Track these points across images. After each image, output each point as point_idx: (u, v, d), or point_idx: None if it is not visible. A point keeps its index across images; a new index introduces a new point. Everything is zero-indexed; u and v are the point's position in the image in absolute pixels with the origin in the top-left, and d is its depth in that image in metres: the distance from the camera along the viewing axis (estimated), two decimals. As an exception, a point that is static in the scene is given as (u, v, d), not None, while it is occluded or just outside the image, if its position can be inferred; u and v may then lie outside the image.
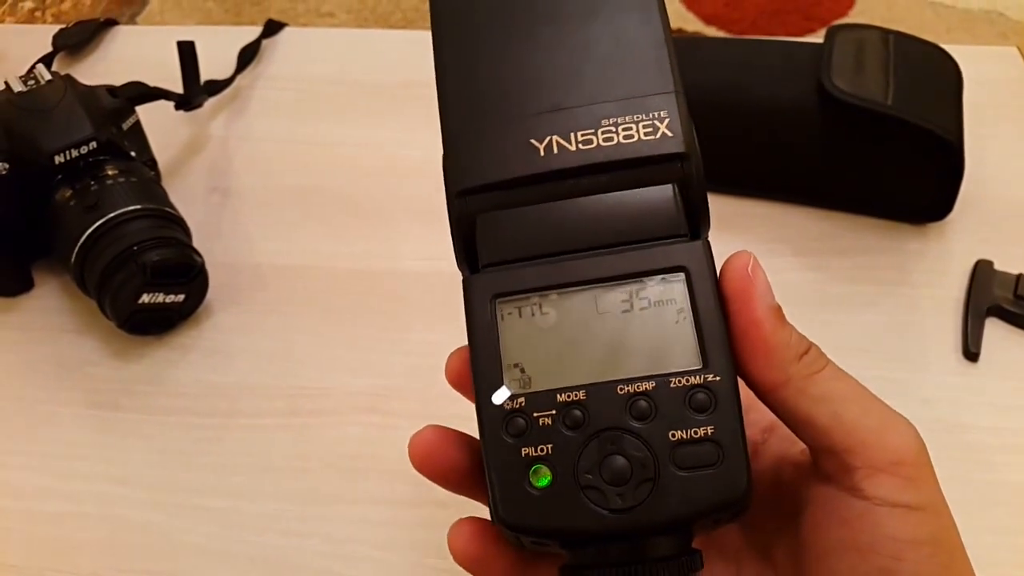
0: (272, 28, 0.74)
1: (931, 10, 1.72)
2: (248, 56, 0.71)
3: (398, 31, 0.75)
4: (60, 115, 0.51)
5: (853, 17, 1.75)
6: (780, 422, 0.26)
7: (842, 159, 0.55)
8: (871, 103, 0.52)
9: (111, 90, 0.57)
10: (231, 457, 0.47)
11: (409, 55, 0.72)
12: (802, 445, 0.26)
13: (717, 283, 0.25)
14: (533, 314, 0.26)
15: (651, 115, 0.26)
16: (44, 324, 0.55)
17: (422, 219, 0.59)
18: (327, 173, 0.63)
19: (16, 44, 0.75)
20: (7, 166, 0.52)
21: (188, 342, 0.53)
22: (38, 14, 1.38)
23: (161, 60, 0.65)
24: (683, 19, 1.75)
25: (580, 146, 0.26)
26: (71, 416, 0.50)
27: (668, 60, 0.27)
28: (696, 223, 0.26)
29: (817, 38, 0.59)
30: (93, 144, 0.51)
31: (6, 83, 0.53)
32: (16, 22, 0.94)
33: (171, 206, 0.53)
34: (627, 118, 0.26)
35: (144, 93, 0.59)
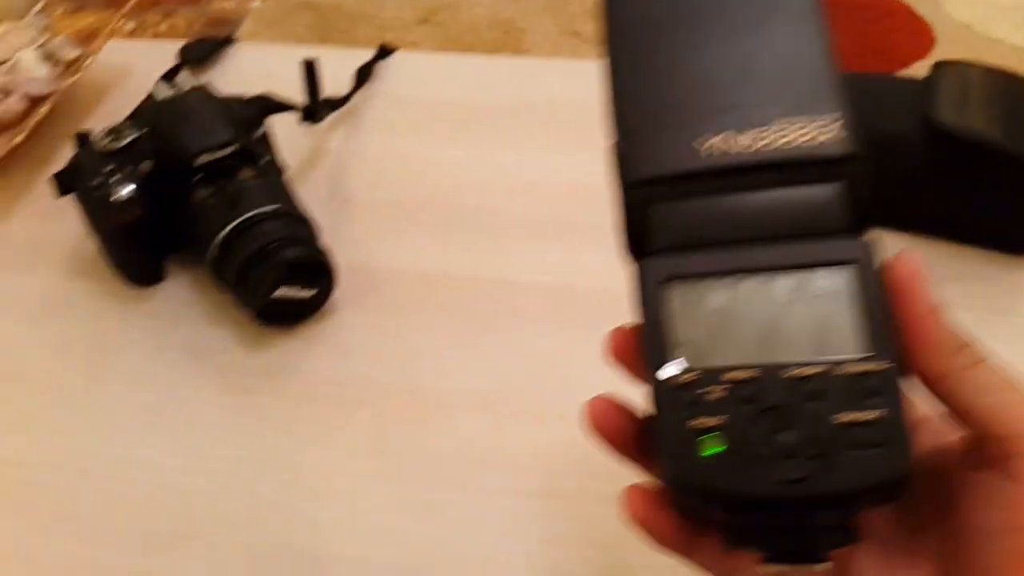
0: (384, 52, 0.78)
1: (1015, 55, 1.73)
2: (364, 76, 0.75)
3: (506, 57, 0.79)
4: (202, 120, 0.55)
5: (932, 59, 1.76)
6: (930, 416, 0.28)
7: (946, 190, 0.57)
8: (977, 136, 0.53)
9: (243, 101, 0.61)
10: (357, 442, 0.50)
11: (516, 81, 0.75)
12: (953, 436, 0.28)
13: (882, 277, 0.27)
14: (705, 296, 0.28)
15: (823, 117, 0.28)
16: (177, 313, 0.58)
17: (531, 234, 0.62)
18: (440, 187, 0.66)
19: (140, 60, 0.80)
20: (152, 164, 0.56)
21: (314, 335, 0.56)
22: (138, 32, 1.44)
23: (277, 75, 0.69)
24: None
25: (755, 144, 0.28)
26: (204, 399, 0.53)
27: (833, 67, 0.29)
28: (862, 221, 0.28)
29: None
30: (232, 148, 0.55)
31: (150, 94, 0.57)
32: (82, 34, 0.99)
33: (301, 208, 0.56)
34: (800, 119, 0.28)
35: (273, 105, 0.63)
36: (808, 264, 0.27)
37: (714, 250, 0.28)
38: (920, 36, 1.83)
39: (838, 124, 0.28)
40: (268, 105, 0.62)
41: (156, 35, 0.88)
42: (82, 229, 0.64)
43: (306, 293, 0.55)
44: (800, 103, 0.29)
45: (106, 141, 0.56)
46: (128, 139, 0.56)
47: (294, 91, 0.66)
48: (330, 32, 1.91)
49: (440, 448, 0.50)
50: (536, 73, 0.76)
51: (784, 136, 0.28)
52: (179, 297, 0.59)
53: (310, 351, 0.55)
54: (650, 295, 0.28)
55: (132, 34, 1.08)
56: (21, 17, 1.38)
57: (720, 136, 0.29)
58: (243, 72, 0.78)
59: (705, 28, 0.30)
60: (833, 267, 0.27)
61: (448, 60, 0.79)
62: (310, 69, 0.67)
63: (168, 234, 0.58)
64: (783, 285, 0.27)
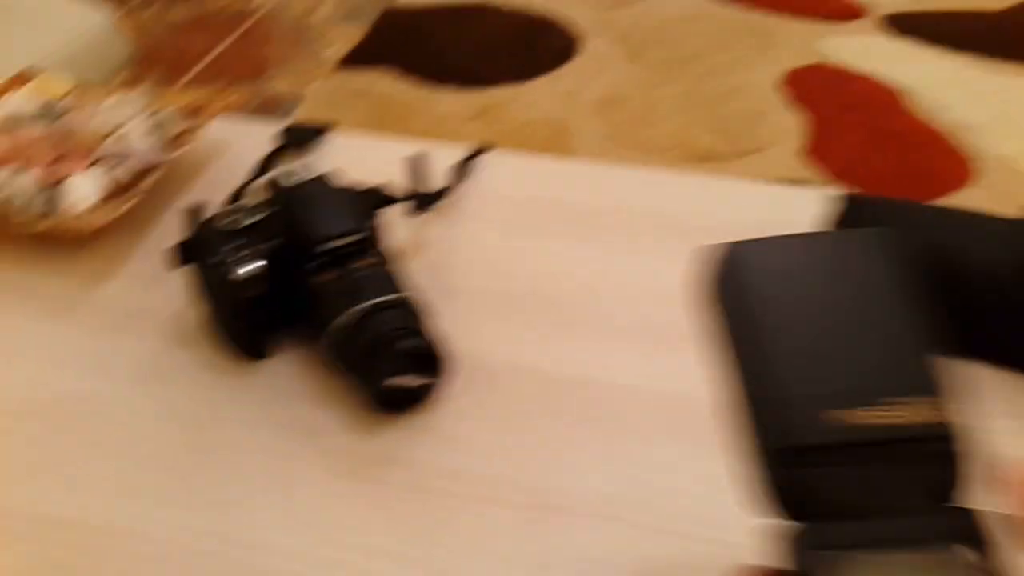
0: (482, 149, 0.79)
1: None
2: (463, 170, 0.76)
3: (594, 164, 0.80)
4: (327, 208, 0.56)
5: (971, 190, 1.80)
6: None
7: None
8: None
9: (361, 191, 0.62)
10: (465, 540, 0.49)
11: (603, 184, 0.76)
12: None
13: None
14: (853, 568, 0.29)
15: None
16: (283, 391, 0.58)
17: (631, 337, 0.62)
18: (546, 283, 0.66)
19: (237, 136, 0.82)
20: (274, 244, 0.56)
21: (423, 425, 0.55)
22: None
23: (368, 163, 0.70)
24: (809, 172, 1.81)
25: (879, 419, 0.30)
26: (310, 481, 0.52)
27: (936, 351, 0.32)
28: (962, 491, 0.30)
29: (942, 203, 0.62)
30: (354, 236, 0.56)
31: (279, 174, 0.59)
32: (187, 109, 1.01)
33: (416, 296, 0.56)
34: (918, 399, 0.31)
35: (387, 197, 0.64)
36: (944, 539, 0.29)
37: (859, 520, 0.30)
38: (960, 166, 1.87)
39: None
40: (383, 197, 0.63)
41: (227, 107, 0.89)
42: (184, 298, 0.64)
43: (419, 382, 0.55)
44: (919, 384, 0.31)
45: (230, 220, 0.56)
46: (252, 220, 0.56)
47: (376, 173, 0.67)
48: (385, 120, 1.97)
49: (552, 550, 0.49)
50: (634, 181, 0.77)
51: (902, 414, 0.30)
52: (285, 374, 0.59)
53: (419, 441, 0.54)
54: (806, 559, 0.29)
55: (204, 105, 1.10)
56: (105, 84, 1.42)
57: (852, 410, 0.31)
58: (341, 161, 0.79)
59: (818, 304, 0.33)
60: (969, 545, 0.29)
61: (540, 162, 0.81)
62: (418, 164, 0.69)
63: (279, 311, 0.58)
64: (929, 559, 0.29)
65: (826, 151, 1.87)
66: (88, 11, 1.40)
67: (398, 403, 0.55)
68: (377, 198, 0.63)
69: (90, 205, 0.67)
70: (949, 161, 1.85)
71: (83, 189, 0.67)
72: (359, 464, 0.53)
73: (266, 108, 1.97)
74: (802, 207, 0.72)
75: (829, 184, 1.76)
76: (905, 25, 2.25)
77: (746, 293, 0.33)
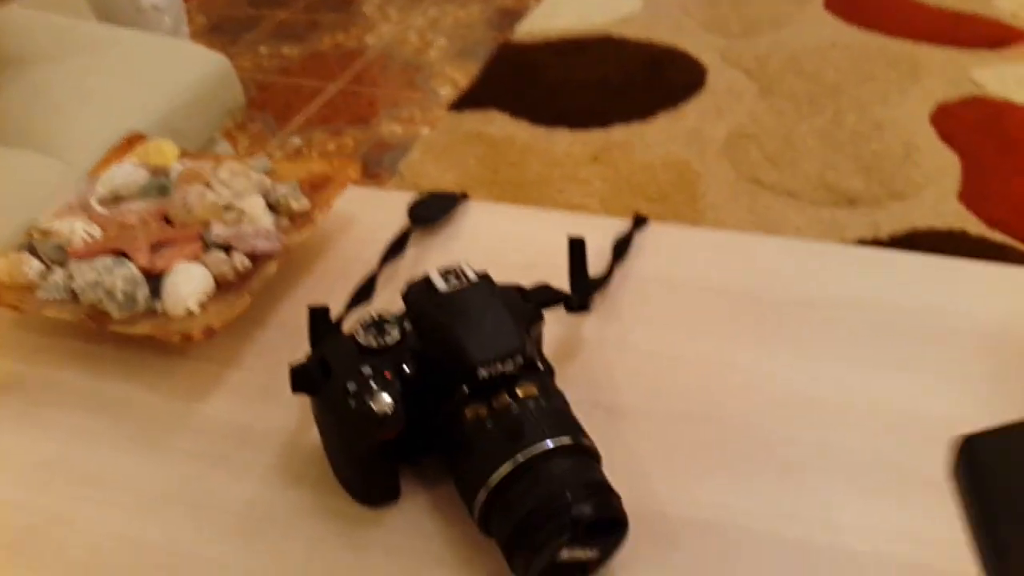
0: (640, 221, 0.68)
1: None
2: (622, 249, 0.64)
3: (782, 239, 0.67)
4: (488, 325, 0.45)
5: None
6: None
7: None
8: None
9: (522, 292, 0.51)
10: None
11: (794, 266, 0.63)
12: None
13: None
14: None
15: None
16: (413, 549, 0.47)
17: (862, 484, 0.49)
18: (726, 403, 0.54)
19: (363, 209, 0.72)
20: (413, 368, 0.46)
21: (592, 607, 0.44)
22: (304, 149, 1.40)
23: (515, 240, 0.61)
24: (964, 220, 1.63)
25: None
26: None
27: None
28: None
29: None
30: (520, 358, 0.44)
31: (426, 277, 0.48)
32: (307, 182, 0.93)
33: (588, 437, 0.45)
34: None
35: (551, 296, 0.52)
36: None
37: None
38: None
39: None
40: (547, 297, 0.52)
41: (323, 153, 0.79)
42: (299, 419, 0.54)
43: (591, 554, 0.43)
44: None
45: (366, 336, 0.46)
46: (394, 336, 0.46)
47: (519, 252, 0.56)
48: (500, 165, 1.88)
49: None
50: (823, 259, 0.64)
51: None
52: (417, 526, 0.48)
53: (593, 633, 0.43)
54: None
55: (299, 152, 1.02)
56: (211, 138, 1.37)
57: None
58: (481, 236, 0.69)
59: None
60: None
61: (711, 236, 0.69)
62: (578, 250, 0.57)
63: (414, 445, 0.47)
64: None
65: (985, 195, 1.68)
66: (206, 53, 1.35)
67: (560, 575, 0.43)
68: (541, 300, 0.52)
69: (197, 302, 0.58)
70: None
71: (191, 283, 0.58)
72: (519, 661, 0.42)
73: (379, 150, 1.90)
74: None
75: (989, 233, 1.57)
76: (1067, 51, 2.03)
77: (982, 485, 0.32)
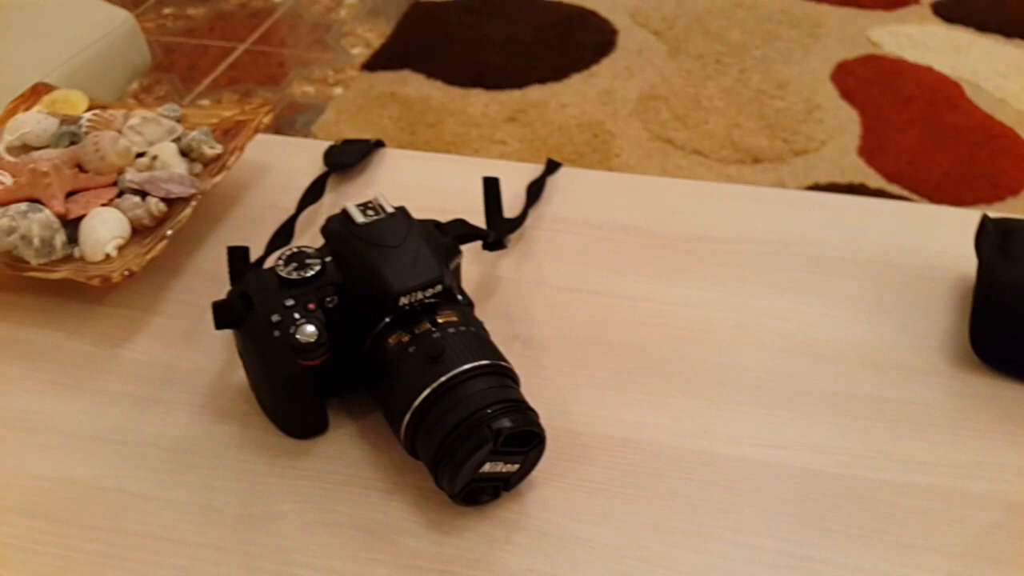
0: (553, 166, 0.70)
1: None
2: (535, 193, 0.67)
3: (688, 181, 0.71)
4: (407, 253, 0.47)
5: (1041, 189, 1.68)
6: None
7: None
8: None
9: (439, 226, 0.53)
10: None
11: (698, 206, 0.67)
12: None
13: None
14: None
15: None
16: (343, 476, 0.49)
17: (755, 397, 0.52)
18: (635, 331, 0.57)
19: (277, 157, 0.73)
20: (335, 299, 0.47)
21: (512, 517, 0.46)
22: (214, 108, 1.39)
23: (431, 185, 0.64)
24: (864, 174, 1.71)
25: None
26: (387, 596, 0.43)
27: None
28: None
29: (1005, 206, 0.52)
30: (439, 287, 0.46)
31: (344, 211, 0.49)
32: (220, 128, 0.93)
33: (506, 360, 0.47)
34: None
35: (468, 232, 0.54)
36: None
37: None
38: (1026, 162, 1.75)
39: None
40: (464, 232, 0.54)
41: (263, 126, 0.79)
42: (224, 360, 0.55)
43: (510, 468, 0.45)
44: None
45: (287, 269, 0.47)
46: (315, 269, 0.47)
47: (437, 199, 0.58)
48: (416, 125, 1.87)
49: None
50: (722, 199, 0.67)
51: None
52: (345, 454, 0.50)
53: (509, 540, 0.45)
54: None
55: (239, 123, 1.01)
56: (118, 98, 1.33)
57: None
58: (397, 183, 0.70)
59: None
60: None
61: (620, 180, 0.71)
62: (492, 189, 0.59)
63: (340, 376, 0.49)
64: None
65: (883, 150, 1.76)
66: (110, 10, 1.31)
67: (483, 492, 0.46)
68: (459, 235, 0.53)
69: (115, 246, 0.58)
70: (1016, 158, 1.74)
71: (107, 227, 0.58)
72: (442, 572, 0.44)
73: (291, 112, 1.88)
74: (926, 228, 0.63)
75: (883, 186, 1.65)
76: (954, 12, 2.13)
77: None
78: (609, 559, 0.44)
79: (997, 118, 1.82)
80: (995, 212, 0.56)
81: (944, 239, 0.62)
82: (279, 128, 1.81)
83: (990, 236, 0.54)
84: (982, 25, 2.08)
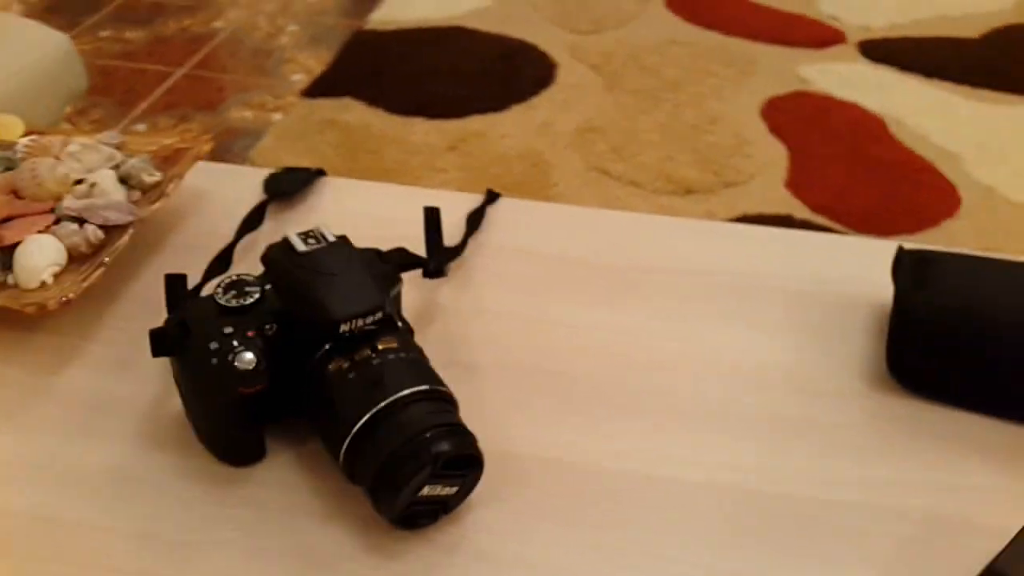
0: (492, 196, 0.72)
1: (1038, 216, 1.73)
2: (475, 222, 0.68)
3: (625, 213, 0.73)
4: (348, 281, 0.47)
5: (959, 219, 1.76)
6: None
7: None
8: None
9: (380, 254, 0.54)
10: None
11: (635, 238, 0.69)
12: None
13: None
14: None
15: None
16: (281, 503, 0.49)
17: (689, 421, 0.54)
18: (573, 357, 0.58)
19: (219, 184, 0.73)
20: (274, 327, 0.48)
21: (452, 541, 0.47)
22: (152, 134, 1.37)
23: (372, 214, 0.64)
24: (790, 206, 1.77)
25: None
26: (326, 621, 0.44)
27: None
28: None
29: (925, 236, 0.56)
30: (379, 314, 0.47)
31: (285, 239, 0.49)
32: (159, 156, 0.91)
33: (445, 385, 0.48)
34: None
35: (409, 261, 0.55)
36: None
37: None
38: (946, 195, 1.84)
39: None
40: (405, 261, 0.55)
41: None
42: (160, 387, 0.55)
43: (449, 490, 0.46)
44: None
45: (226, 296, 0.47)
46: (254, 297, 0.48)
47: (378, 228, 0.59)
48: (358, 153, 1.88)
49: None
50: (659, 231, 0.70)
51: None
52: (284, 481, 0.50)
53: (449, 563, 0.46)
54: None
55: (179, 151, 1.00)
56: (53, 121, 1.31)
57: None
58: (339, 211, 0.71)
59: None
60: None
61: (560, 211, 0.73)
62: (433, 218, 0.60)
63: (278, 403, 0.49)
64: None
65: (809, 182, 1.82)
66: (46, 32, 1.29)
67: (422, 516, 0.47)
68: (399, 264, 0.54)
69: (51, 273, 0.57)
70: (936, 191, 1.81)
71: (43, 254, 0.58)
72: (385, 595, 0.45)
73: (228, 137, 1.87)
74: (848, 258, 0.66)
75: (809, 218, 1.71)
76: (879, 52, 2.22)
77: None
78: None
79: (918, 152, 1.90)
80: (916, 242, 0.59)
81: (865, 268, 0.65)
82: (216, 153, 1.79)
83: (905, 266, 0.57)
84: (906, 65, 2.17)
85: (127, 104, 2.04)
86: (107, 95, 2.06)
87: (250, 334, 0.46)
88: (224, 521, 0.48)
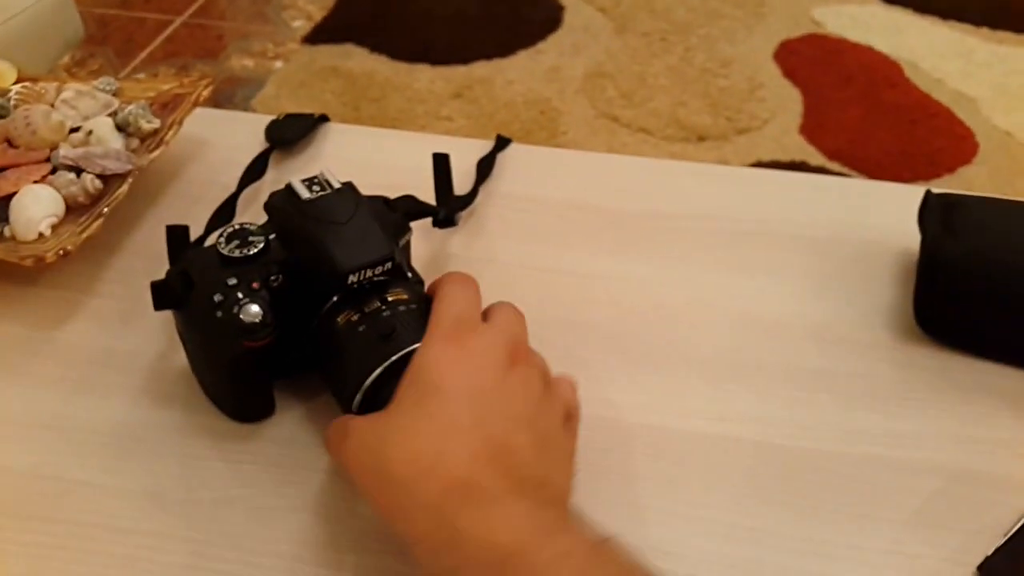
0: (503, 142, 0.69)
1: (1058, 165, 1.70)
2: (485, 169, 0.66)
3: (637, 158, 0.70)
4: (355, 230, 0.45)
5: (976, 166, 1.73)
6: None
7: None
8: None
9: (387, 202, 0.52)
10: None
11: (648, 183, 0.67)
12: None
13: None
14: None
15: None
16: (293, 459, 0.48)
17: (702, 372, 0.53)
18: (585, 307, 0.57)
19: (216, 131, 0.71)
20: (280, 278, 0.46)
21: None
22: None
23: (378, 162, 0.61)
24: (805, 152, 1.73)
25: None
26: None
27: None
28: None
29: (942, 183, 0.54)
30: (389, 264, 0.45)
31: (289, 186, 0.47)
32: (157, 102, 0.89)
33: (458, 339, 0.46)
34: None
35: (418, 209, 0.53)
36: None
37: None
38: (963, 141, 1.80)
39: None
40: (414, 209, 0.53)
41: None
42: (163, 342, 0.53)
43: (464, 446, 0.45)
44: None
45: (229, 247, 0.46)
46: (258, 247, 0.46)
47: (384, 175, 0.56)
48: (360, 101, 1.84)
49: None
50: (671, 176, 0.67)
51: None
52: (295, 438, 0.49)
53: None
54: None
55: (178, 96, 0.97)
56: (48, 71, 1.28)
57: None
58: (343, 158, 0.68)
59: None
60: None
61: (570, 156, 0.71)
62: (443, 165, 0.58)
63: (286, 357, 0.48)
64: None
65: (824, 128, 1.79)
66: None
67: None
68: (408, 211, 0.52)
69: (48, 225, 0.56)
70: (952, 136, 1.78)
71: (40, 205, 0.56)
72: (392, 550, 0.43)
73: (229, 86, 1.83)
74: (870, 204, 0.64)
75: (824, 164, 1.68)
76: (895, -7, 2.17)
77: None
78: (563, 537, 0.44)
79: (934, 97, 1.86)
80: (934, 189, 0.57)
81: (887, 215, 0.63)
82: (218, 102, 1.76)
83: (933, 211, 0.55)
84: (922, 7, 2.12)
85: (126, 54, 2.00)
86: (105, 45, 2.02)
87: (255, 286, 0.45)
88: (232, 478, 0.47)
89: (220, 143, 0.70)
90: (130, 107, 0.64)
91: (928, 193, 0.57)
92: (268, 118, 0.71)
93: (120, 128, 0.63)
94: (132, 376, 0.52)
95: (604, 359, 0.53)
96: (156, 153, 0.61)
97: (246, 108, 1.73)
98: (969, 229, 0.53)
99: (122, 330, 0.55)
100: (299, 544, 0.44)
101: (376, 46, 1.91)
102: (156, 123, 0.64)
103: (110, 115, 0.64)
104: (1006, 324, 0.52)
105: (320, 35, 1.96)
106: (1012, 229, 0.54)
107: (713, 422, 0.50)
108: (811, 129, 1.77)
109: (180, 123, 0.64)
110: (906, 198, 0.61)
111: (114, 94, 0.67)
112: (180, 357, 0.51)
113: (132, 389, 0.51)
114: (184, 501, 0.46)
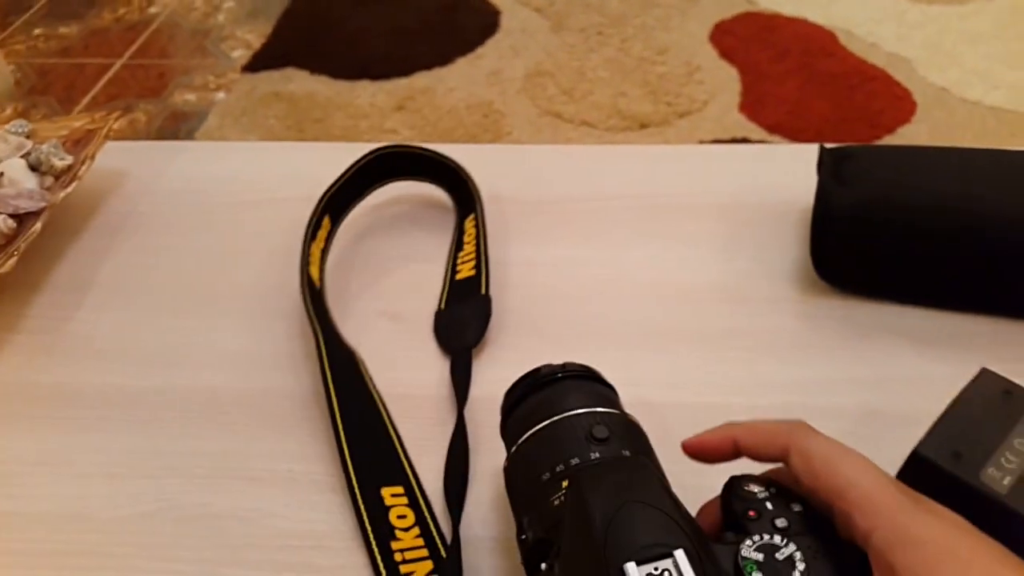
0: (415, 143, 0.70)
1: (992, 116, 1.73)
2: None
3: (551, 146, 0.72)
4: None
5: (915, 124, 1.75)
6: None
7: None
8: None
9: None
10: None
11: (563, 170, 0.68)
12: None
13: None
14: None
15: None
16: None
17: (618, 341, 0.54)
18: (506, 293, 0.58)
19: (133, 162, 0.72)
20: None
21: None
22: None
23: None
24: (746, 129, 1.75)
25: None
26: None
27: None
28: None
29: (884, 143, 0.55)
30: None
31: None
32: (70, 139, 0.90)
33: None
34: None
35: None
36: None
37: None
38: (901, 101, 1.83)
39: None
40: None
41: (110, 134, 0.76)
42: (83, 370, 0.54)
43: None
44: None
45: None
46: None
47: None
48: (304, 122, 1.85)
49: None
50: (591, 160, 0.69)
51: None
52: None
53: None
54: None
55: (90, 132, 0.98)
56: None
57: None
58: (266, 173, 0.69)
59: None
60: None
61: (505, 150, 0.72)
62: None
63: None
64: None
65: (763, 103, 1.81)
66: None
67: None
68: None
69: (-39, 268, 0.56)
70: (890, 98, 1.81)
71: (-49, 250, 0.56)
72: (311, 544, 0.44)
73: (174, 122, 1.84)
74: (775, 166, 0.65)
75: (765, 138, 1.70)
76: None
77: None
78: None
79: (870, 61, 1.89)
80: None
81: (794, 175, 0.64)
82: (163, 139, 1.77)
83: (826, 164, 0.57)
84: (849, -26, 2.15)
85: (69, 101, 2.00)
86: (47, 94, 2.02)
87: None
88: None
89: (138, 173, 0.71)
90: (42, 147, 0.65)
91: (821, 148, 0.59)
92: (185, 144, 0.72)
93: (33, 168, 0.64)
94: (53, 407, 0.52)
95: (522, 341, 0.55)
96: (70, 189, 0.62)
97: (191, 141, 1.74)
98: (859, 177, 0.55)
99: (47, 363, 0.55)
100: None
101: (316, 67, 1.92)
102: (69, 160, 0.65)
103: (23, 156, 0.65)
104: (899, 264, 0.53)
105: (260, 62, 1.97)
106: (901, 174, 0.55)
107: (627, 388, 0.51)
108: (750, 106, 1.79)
109: (92, 157, 0.65)
110: (810, 157, 0.62)
111: (28, 136, 0.68)
112: (99, 382, 0.52)
113: (55, 419, 0.52)
114: (105, 519, 0.46)
